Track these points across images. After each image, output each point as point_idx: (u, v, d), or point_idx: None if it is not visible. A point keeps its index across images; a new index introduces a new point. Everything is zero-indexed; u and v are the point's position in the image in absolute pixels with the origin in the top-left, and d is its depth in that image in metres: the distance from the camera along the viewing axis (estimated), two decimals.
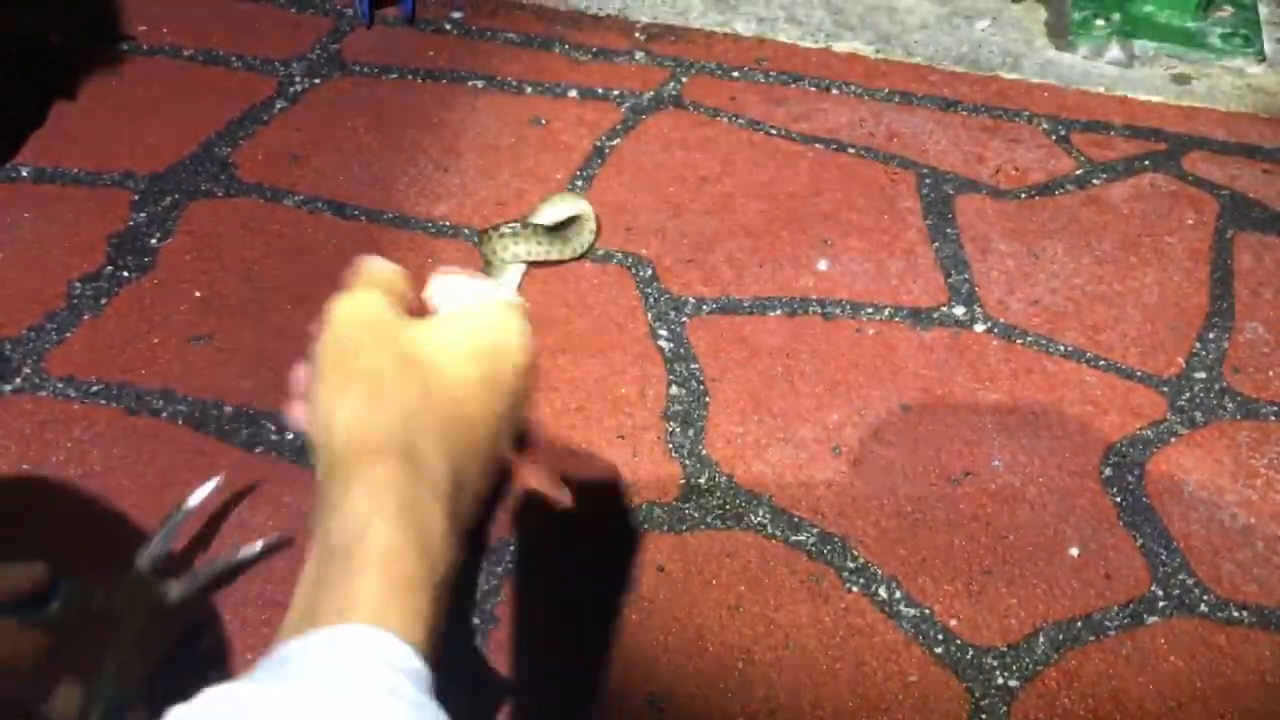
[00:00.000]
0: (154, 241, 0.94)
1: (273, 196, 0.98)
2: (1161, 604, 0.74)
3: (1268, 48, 1.19)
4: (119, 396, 0.82)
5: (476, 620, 0.72)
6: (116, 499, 0.76)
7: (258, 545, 0.73)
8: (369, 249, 0.92)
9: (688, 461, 0.81)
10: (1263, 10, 1.23)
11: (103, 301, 0.89)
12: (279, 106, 1.07)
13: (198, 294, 0.90)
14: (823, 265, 0.95)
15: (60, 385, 0.83)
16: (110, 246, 0.93)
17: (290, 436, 0.81)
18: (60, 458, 0.78)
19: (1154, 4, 1.21)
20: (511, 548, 0.75)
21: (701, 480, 0.80)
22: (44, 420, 0.80)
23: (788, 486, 0.79)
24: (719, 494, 0.79)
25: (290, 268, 0.92)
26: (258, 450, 0.80)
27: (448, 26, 1.18)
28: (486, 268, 0.91)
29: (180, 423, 0.81)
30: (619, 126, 1.07)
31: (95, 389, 0.83)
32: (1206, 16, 1.21)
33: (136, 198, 0.97)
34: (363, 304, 0.43)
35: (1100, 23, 1.20)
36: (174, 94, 1.07)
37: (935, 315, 0.91)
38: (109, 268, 0.91)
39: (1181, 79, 1.16)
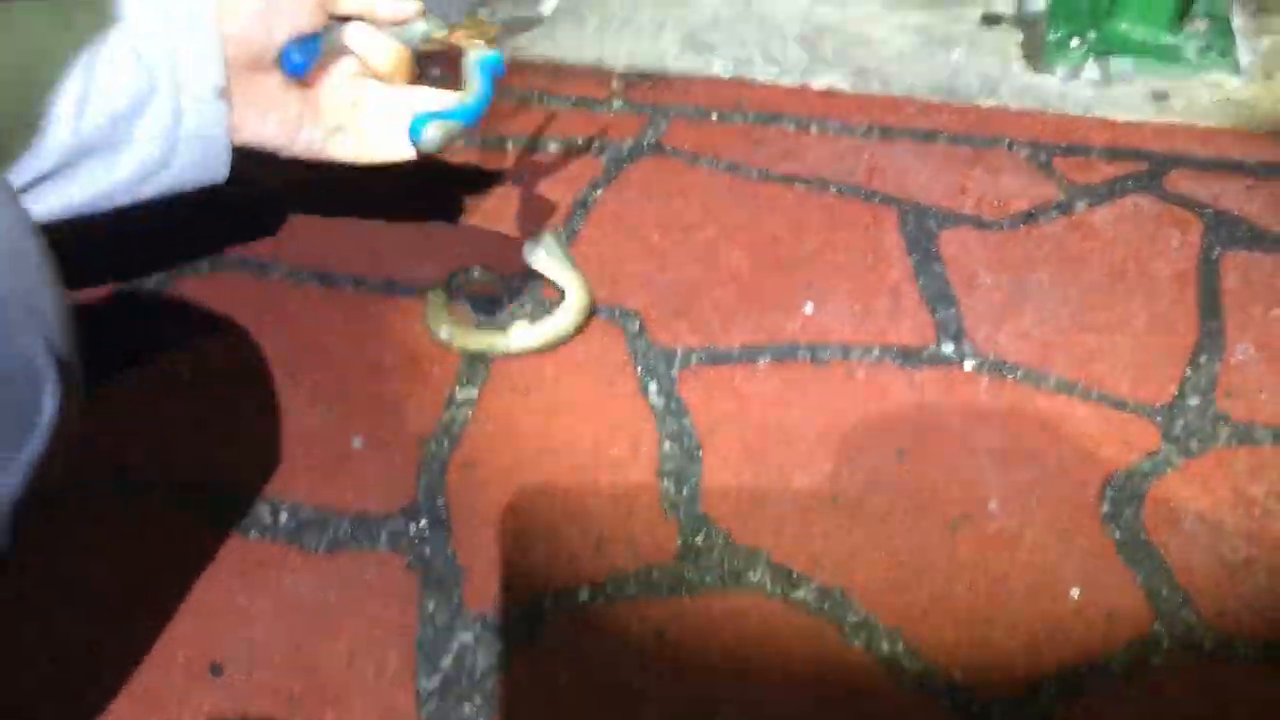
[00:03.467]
0: (140, 323, 0.94)
1: (258, 271, 0.98)
2: (1165, 644, 0.73)
3: (1243, 59, 1.19)
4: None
5: (478, 700, 0.71)
6: None
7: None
8: (358, 318, 0.93)
9: (684, 520, 0.80)
10: (1237, 21, 1.23)
11: None
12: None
13: (186, 374, 0.90)
14: (809, 308, 0.95)
15: None
16: None
17: (285, 519, 0.81)
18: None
19: (1129, 21, 1.21)
20: (511, 619, 0.75)
21: (699, 539, 0.80)
22: None
23: (785, 541, 0.79)
24: (717, 552, 0.79)
25: (277, 342, 0.92)
26: (253, 536, 0.80)
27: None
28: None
29: (167, 506, 0.81)
30: (600, 177, 1.07)
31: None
32: (1181, 30, 1.21)
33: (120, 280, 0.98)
34: None
35: (1076, 43, 1.20)
36: None
37: (925, 354, 0.91)
38: None
39: (1159, 95, 1.16)
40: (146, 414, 0.87)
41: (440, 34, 0.85)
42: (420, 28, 0.85)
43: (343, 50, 0.83)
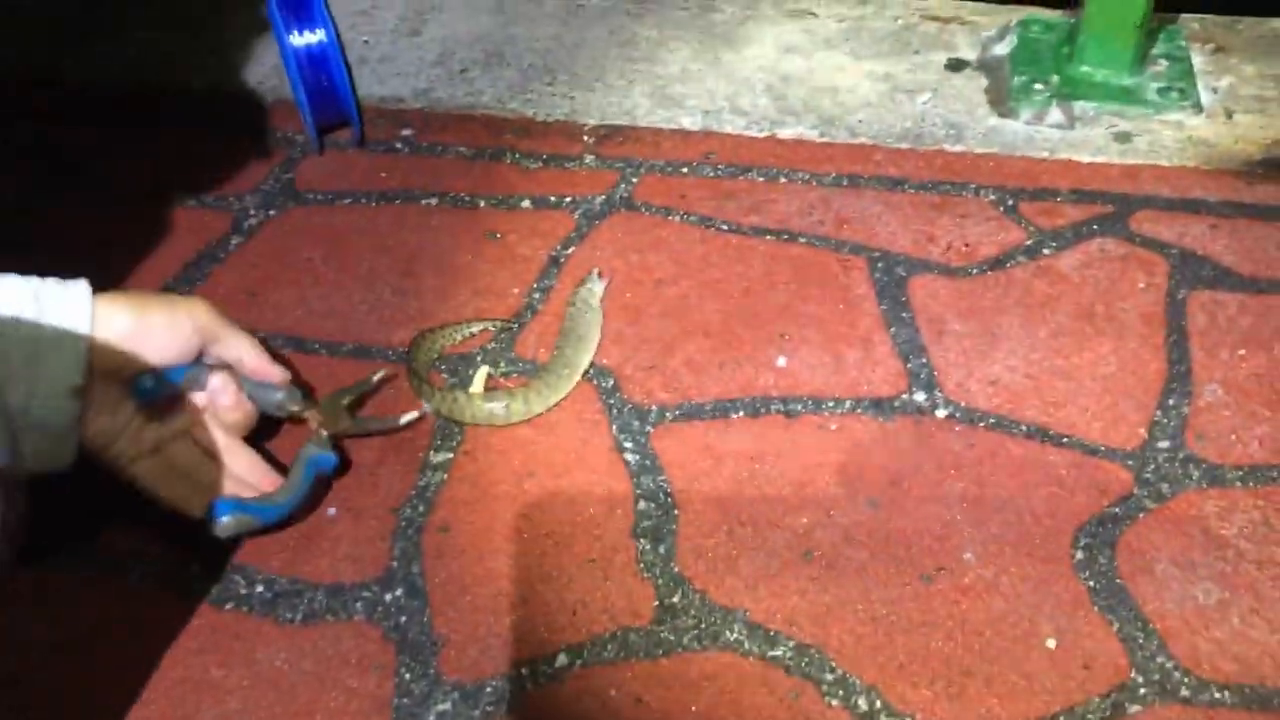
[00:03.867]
0: None
1: None
2: (1142, 691, 0.73)
3: (1204, 98, 1.21)
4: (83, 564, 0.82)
5: None
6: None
7: (401, 420, 0.89)
8: (329, 386, 0.93)
9: (660, 581, 0.81)
10: (1196, 60, 1.25)
11: None
12: (234, 243, 1.08)
13: None
14: (782, 361, 0.95)
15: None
16: None
17: (260, 590, 0.81)
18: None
19: (1090, 64, 1.23)
20: (489, 688, 0.75)
21: (675, 599, 0.80)
22: None
23: (762, 599, 0.79)
24: (693, 613, 0.79)
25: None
26: (228, 607, 0.80)
27: (398, 145, 1.20)
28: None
29: (143, 580, 0.81)
30: (573, 234, 1.08)
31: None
32: (1142, 72, 1.23)
33: None
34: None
35: (1039, 87, 1.22)
36: (129, 242, 1.08)
37: (896, 404, 0.92)
38: None
39: (1123, 137, 1.18)
40: (116, 487, 0.87)
41: (295, 408, 0.85)
42: (278, 395, 0.84)
43: (198, 388, 0.82)
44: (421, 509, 0.85)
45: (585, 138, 1.20)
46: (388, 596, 0.80)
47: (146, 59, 1.31)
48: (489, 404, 0.90)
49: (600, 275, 1.01)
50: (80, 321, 0.73)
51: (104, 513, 0.85)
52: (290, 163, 1.18)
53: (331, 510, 0.85)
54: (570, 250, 1.06)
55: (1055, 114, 1.20)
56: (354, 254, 1.07)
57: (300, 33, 1.11)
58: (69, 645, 0.78)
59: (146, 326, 0.77)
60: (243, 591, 0.81)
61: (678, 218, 1.09)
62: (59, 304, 0.73)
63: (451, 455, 0.89)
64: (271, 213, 1.12)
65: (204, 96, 1.26)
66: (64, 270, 0.75)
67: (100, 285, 1.00)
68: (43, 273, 0.74)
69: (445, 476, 0.87)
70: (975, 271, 1.03)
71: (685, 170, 1.15)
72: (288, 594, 0.80)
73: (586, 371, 0.94)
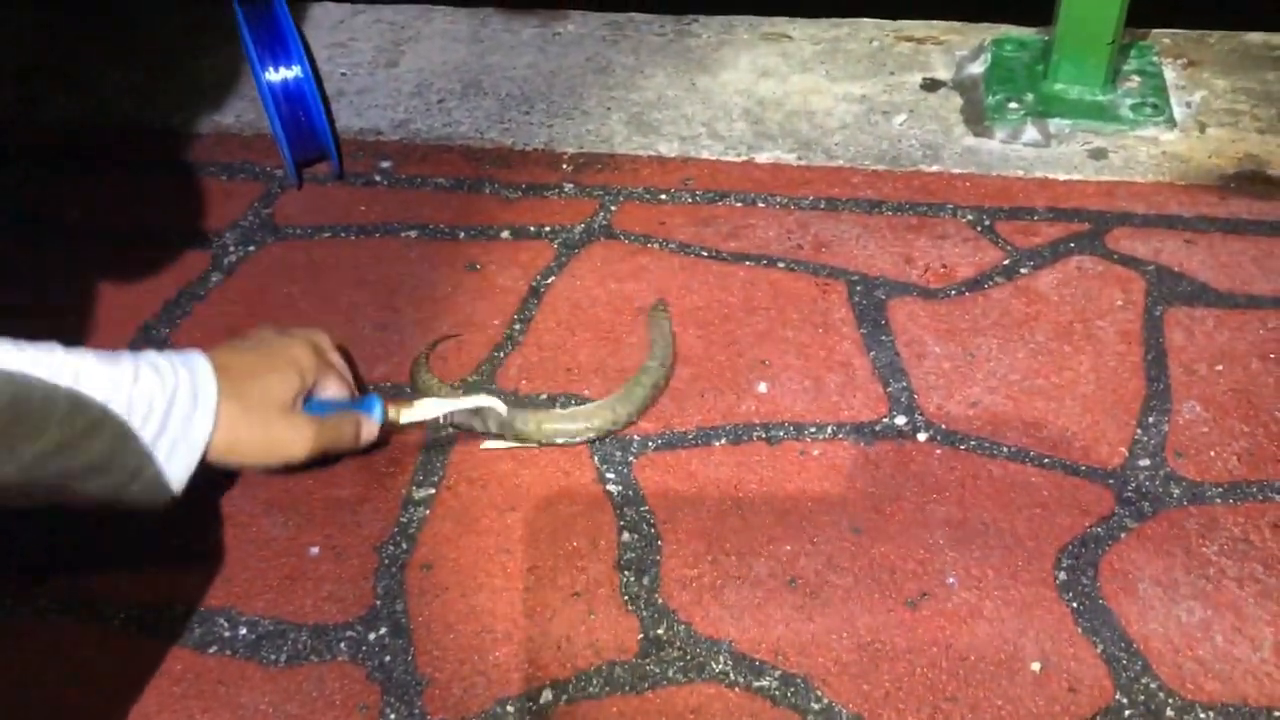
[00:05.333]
0: None
1: None
2: (1128, 713, 0.74)
3: (1177, 113, 1.22)
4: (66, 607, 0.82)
5: None
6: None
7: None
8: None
9: (645, 613, 0.80)
10: (1169, 75, 1.26)
11: None
12: (214, 279, 1.08)
13: None
14: (763, 387, 0.96)
15: None
16: None
17: (244, 632, 0.80)
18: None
19: (1064, 81, 1.24)
20: None
21: (660, 631, 0.79)
22: None
23: (747, 629, 0.79)
24: (679, 644, 0.79)
25: None
26: (211, 650, 0.79)
27: (377, 178, 1.20)
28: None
29: (125, 626, 0.81)
30: (553, 264, 1.08)
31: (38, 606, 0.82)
32: (1116, 88, 1.24)
33: None
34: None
35: (1014, 105, 1.23)
36: (109, 280, 1.08)
37: (878, 428, 0.92)
38: None
39: (1098, 154, 1.18)
40: (101, 532, 0.86)
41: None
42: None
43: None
44: (405, 546, 0.85)
45: (564, 166, 1.20)
46: (372, 636, 0.80)
47: (124, 98, 1.31)
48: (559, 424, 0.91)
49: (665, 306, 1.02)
50: (197, 444, 0.71)
51: (83, 553, 0.85)
52: (269, 198, 1.18)
53: (314, 549, 0.85)
54: (550, 280, 1.07)
55: (1031, 132, 1.20)
56: (334, 289, 1.07)
57: (276, 69, 1.11)
58: (48, 692, 0.77)
59: (259, 442, 0.76)
60: (226, 634, 0.80)
61: (657, 245, 1.10)
62: (184, 423, 0.70)
63: (434, 491, 0.89)
64: (251, 248, 1.12)
65: (183, 134, 1.26)
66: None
67: (78, 327, 1.00)
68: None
69: (428, 512, 0.87)
70: (954, 293, 1.03)
71: (664, 197, 1.15)
72: (271, 635, 0.80)
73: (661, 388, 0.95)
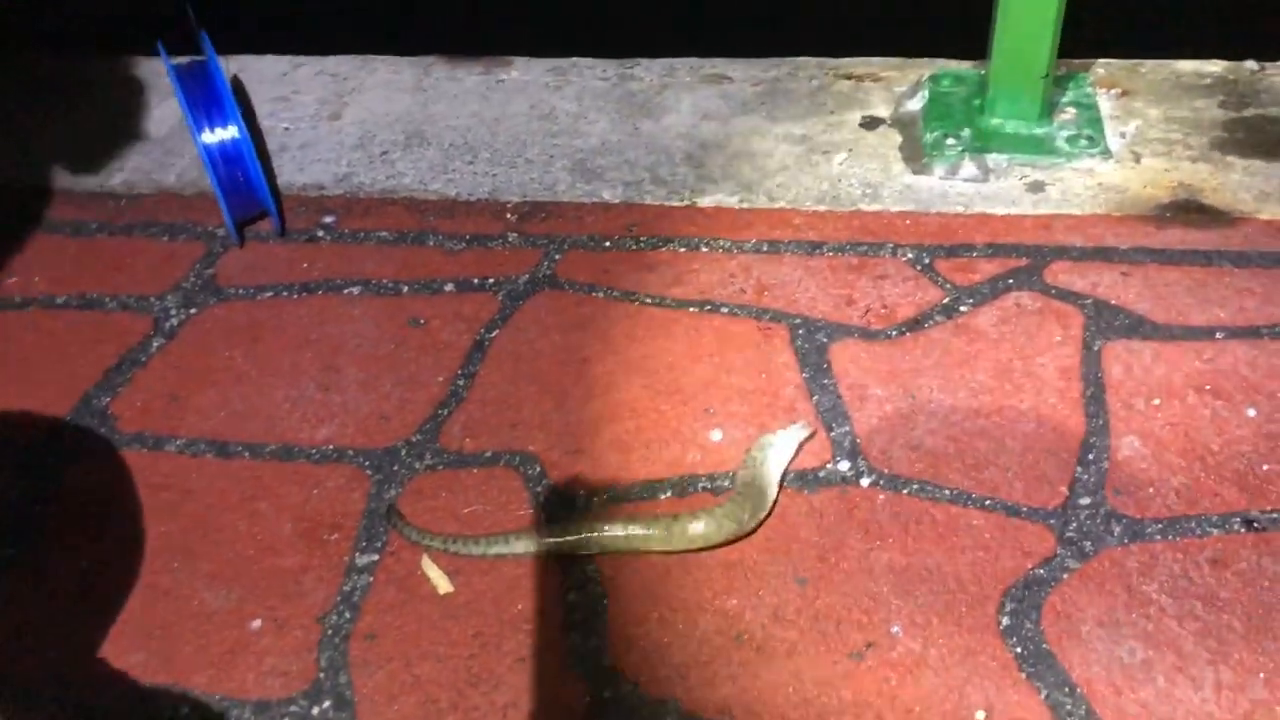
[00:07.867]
0: (35, 514, 0.93)
1: (154, 445, 0.98)
2: None
3: (1112, 144, 1.23)
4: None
5: None
6: None
7: None
8: (252, 491, 0.92)
9: (592, 676, 0.80)
10: (1104, 106, 1.28)
11: None
12: (156, 345, 1.07)
13: (83, 564, 0.89)
14: (709, 435, 0.96)
15: None
16: None
17: (185, 711, 0.79)
18: None
19: (999, 115, 1.26)
20: None
21: (607, 694, 0.79)
22: None
23: (693, 688, 0.79)
24: (626, 706, 0.78)
25: (173, 521, 0.91)
26: None
27: (320, 234, 1.19)
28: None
29: (66, 714, 0.79)
30: (497, 317, 1.08)
31: None
32: (1052, 121, 1.26)
33: (15, 469, 0.97)
34: None
35: (951, 141, 1.24)
36: (49, 348, 1.07)
37: (821, 475, 0.92)
38: None
39: (1036, 187, 1.20)
40: (34, 613, 0.85)
41: None
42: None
43: None
44: (348, 615, 0.84)
45: (508, 215, 1.20)
46: (315, 710, 0.79)
47: (62, 158, 1.30)
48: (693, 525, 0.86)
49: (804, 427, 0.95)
50: None
51: (15, 641, 0.84)
52: (211, 257, 1.17)
53: (256, 622, 0.84)
54: (495, 333, 1.06)
55: (969, 167, 1.22)
56: (276, 350, 1.06)
57: (212, 129, 1.10)
58: None
59: None
60: (167, 716, 0.79)
61: (601, 294, 1.10)
62: None
63: (377, 557, 0.88)
64: (193, 311, 1.11)
65: (123, 195, 1.25)
66: None
67: (17, 397, 0.98)
68: None
69: (371, 579, 0.87)
70: (894, 333, 1.04)
71: (608, 244, 1.16)
72: (214, 716, 0.79)
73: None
